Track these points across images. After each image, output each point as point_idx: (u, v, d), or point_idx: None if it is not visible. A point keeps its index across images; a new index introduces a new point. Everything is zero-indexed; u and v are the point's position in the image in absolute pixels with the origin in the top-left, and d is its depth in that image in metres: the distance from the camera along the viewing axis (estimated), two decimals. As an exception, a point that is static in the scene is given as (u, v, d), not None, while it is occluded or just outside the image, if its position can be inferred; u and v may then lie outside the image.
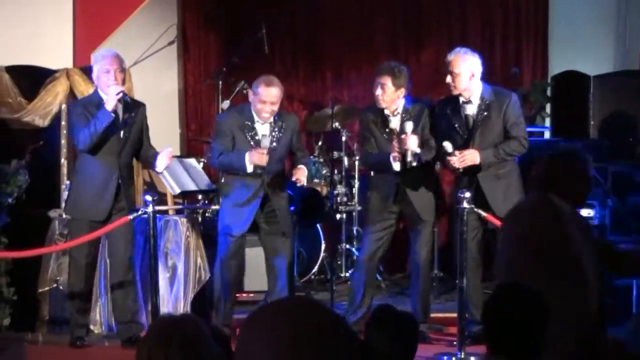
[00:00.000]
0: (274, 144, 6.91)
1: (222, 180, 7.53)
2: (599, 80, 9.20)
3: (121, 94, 6.71)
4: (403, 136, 6.83)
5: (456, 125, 6.89)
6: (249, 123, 6.92)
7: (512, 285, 3.50)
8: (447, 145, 6.77)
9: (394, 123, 7.01)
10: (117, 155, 6.77)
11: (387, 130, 7.00)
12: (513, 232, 4.43)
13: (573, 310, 4.07)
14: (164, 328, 2.57)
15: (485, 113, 6.84)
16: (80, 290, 6.89)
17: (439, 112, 7.04)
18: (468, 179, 6.85)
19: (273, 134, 6.94)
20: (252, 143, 6.88)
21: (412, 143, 6.82)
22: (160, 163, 6.82)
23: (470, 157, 6.73)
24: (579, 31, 9.82)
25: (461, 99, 6.87)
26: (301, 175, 6.92)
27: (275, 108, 6.91)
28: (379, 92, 6.96)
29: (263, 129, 6.95)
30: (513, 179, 6.86)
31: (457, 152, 6.76)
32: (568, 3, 9.97)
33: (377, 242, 7.09)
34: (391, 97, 6.95)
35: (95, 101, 6.79)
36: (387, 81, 6.93)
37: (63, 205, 7.53)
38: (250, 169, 6.81)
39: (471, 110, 6.85)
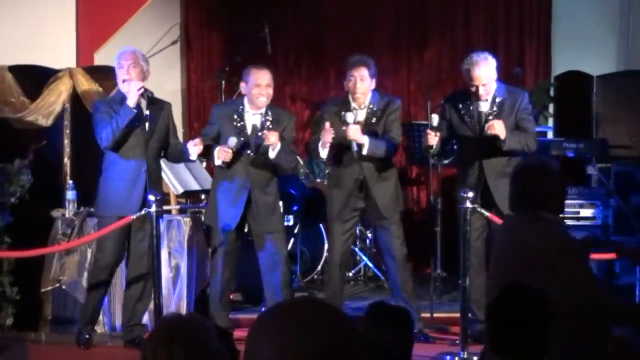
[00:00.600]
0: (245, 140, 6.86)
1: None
2: (602, 80, 9.20)
3: (142, 89, 6.69)
4: (344, 127, 6.82)
5: (467, 121, 6.87)
6: (238, 113, 6.90)
7: (514, 286, 3.50)
8: (435, 118, 6.77)
9: (361, 116, 6.97)
10: (144, 149, 6.73)
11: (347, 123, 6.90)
12: (510, 250, 4.38)
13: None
14: (168, 326, 2.57)
15: (498, 111, 6.82)
16: (100, 288, 6.82)
17: (449, 106, 7.02)
18: (476, 177, 6.83)
19: (263, 125, 6.89)
20: (236, 134, 6.83)
21: (353, 133, 6.80)
22: (193, 150, 6.75)
23: (498, 125, 6.63)
24: (582, 31, 9.81)
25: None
26: (272, 136, 6.75)
27: (271, 92, 6.89)
28: (359, 84, 6.91)
29: (253, 119, 6.92)
30: None
31: (430, 131, 6.74)
32: (571, 3, 9.97)
33: (346, 241, 7.09)
34: (367, 88, 6.96)
35: (118, 98, 6.78)
36: (365, 72, 6.92)
37: (67, 204, 7.53)
38: (217, 162, 6.81)
39: (485, 107, 6.83)
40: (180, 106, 10.04)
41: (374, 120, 6.97)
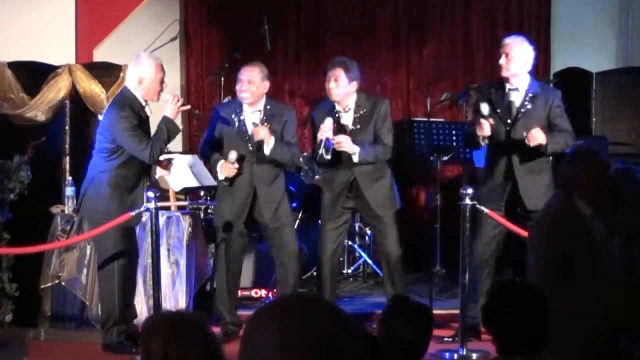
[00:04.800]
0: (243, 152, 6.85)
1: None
2: (601, 77, 9.21)
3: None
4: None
5: (498, 111, 6.70)
6: (236, 112, 6.89)
7: (505, 284, 3.57)
8: (484, 108, 6.62)
9: (346, 119, 6.92)
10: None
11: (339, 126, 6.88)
12: (537, 234, 4.49)
13: (586, 312, 4.11)
14: (176, 323, 2.52)
15: (530, 104, 6.69)
16: (124, 294, 6.69)
17: (481, 95, 6.93)
18: (503, 172, 6.68)
19: (262, 121, 6.86)
20: (236, 134, 6.85)
21: (344, 143, 6.75)
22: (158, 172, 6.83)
23: (537, 135, 6.49)
24: (582, 27, 9.81)
25: (508, 86, 6.73)
26: (261, 130, 6.76)
27: (254, 88, 6.82)
28: (332, 84, 6.83)
29: (252, 117, 6.89)
30: (547, 174, 6.70)
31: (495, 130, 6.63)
32: (571, -1, 9.99)
33: (335, 240, 7.04)
34: (345, 90, 6.85)
35: (137, 105, 6.61)
36: (340, 73, 6.83)
37: (66, 201, 7.52)
38: (221, 177, 6.83)
39: (516, 97, 6.69)
40: (180, 103, 10.02)
41: (360, 123, 6.91)
